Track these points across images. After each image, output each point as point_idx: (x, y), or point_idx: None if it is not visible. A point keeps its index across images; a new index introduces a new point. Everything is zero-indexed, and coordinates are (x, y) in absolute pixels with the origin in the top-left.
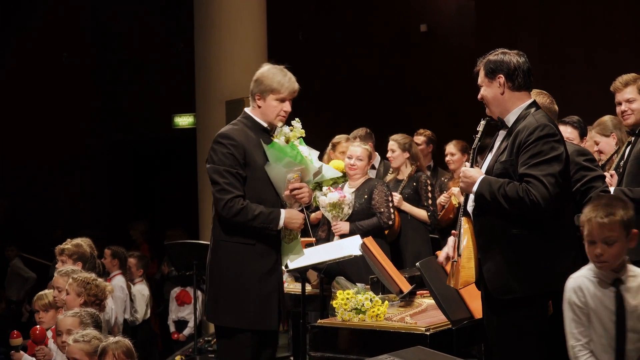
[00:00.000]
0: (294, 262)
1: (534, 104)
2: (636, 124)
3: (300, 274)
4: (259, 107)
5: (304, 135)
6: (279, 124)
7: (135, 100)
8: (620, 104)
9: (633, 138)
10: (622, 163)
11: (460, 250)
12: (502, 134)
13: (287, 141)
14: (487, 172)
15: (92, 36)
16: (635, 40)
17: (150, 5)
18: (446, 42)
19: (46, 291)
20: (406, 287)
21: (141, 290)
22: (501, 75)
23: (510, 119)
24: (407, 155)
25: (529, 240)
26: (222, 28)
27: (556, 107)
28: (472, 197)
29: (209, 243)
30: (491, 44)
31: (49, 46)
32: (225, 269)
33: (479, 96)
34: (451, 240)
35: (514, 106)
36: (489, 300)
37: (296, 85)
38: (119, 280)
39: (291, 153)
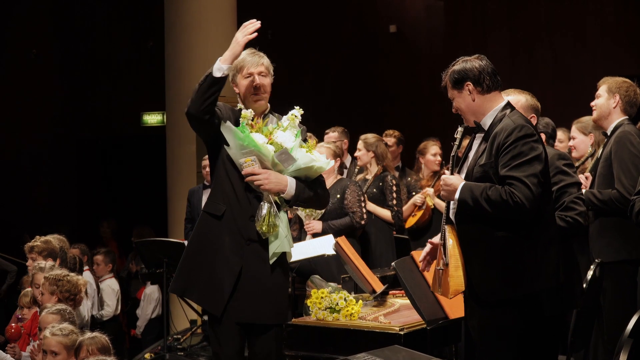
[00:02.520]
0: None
1: (509, 105)
2: (598, 119)
3: None
4: (239, 94)
5: (293, 122)
6: (255, 105)
7: (104, 97)
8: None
9: (606, 140)
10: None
11: (447, 259)
12: (479, 137)
13: (252, 126)
14: (466, 176)
15: (61, 33)
16: (604, 44)
17: (120, 2)
18: (415, 42)
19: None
20: (379, 287)
21: (111, 284)
22: (469, 83)
23: (486, 122)
24: (372, 155)
25: (514, 242)
26: (193, 26)
27: (539, 104)
28: (452, 204)
29: (179, 241)
30: (460, 44)
31: (18, 43)
32: (192, 237)
33: (454, 109)
34: (427, 246)
35: (488, 109)
36: (472, 302)
37: (263, 60)
38: (87, 276)
39: (239, 135)
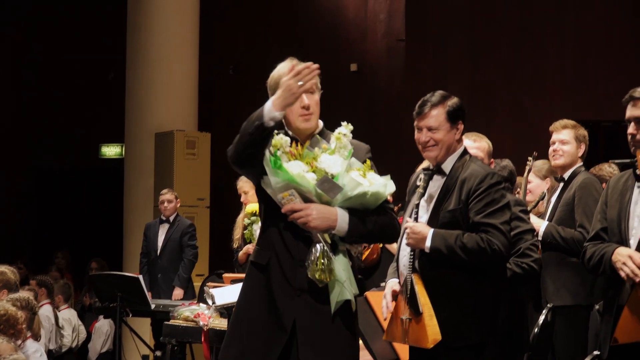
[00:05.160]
0: (221, 299)
1: (466, 151)
2: (564, 166)
3: (226, 310)
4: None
5: (340, 141)
6: (303, 125)
7: (63, 127)
8: (554, 143)
9: (562, 184)
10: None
11: (420, 308)
12: (436, 180)
13: (291, 153)
14: (429, 221)
15: (20, 60)
16: (563, 89)
17: (81, 32)
18: (375, 81)
19: None
20: None
21: (64, 315)
22: (461, 122)
23: (447, 166)
24: None
25: (475, 287)
26: (154, 60)
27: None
28: (416, 252)
29: (133, 275)
30: (420, 85)
31: None
32: (240, 294)
33: (430, 138)
34: (389, 294)
35: (454, 152)
36: (439, 347)
37: None
38: (45, 310)
39: (271, 168)
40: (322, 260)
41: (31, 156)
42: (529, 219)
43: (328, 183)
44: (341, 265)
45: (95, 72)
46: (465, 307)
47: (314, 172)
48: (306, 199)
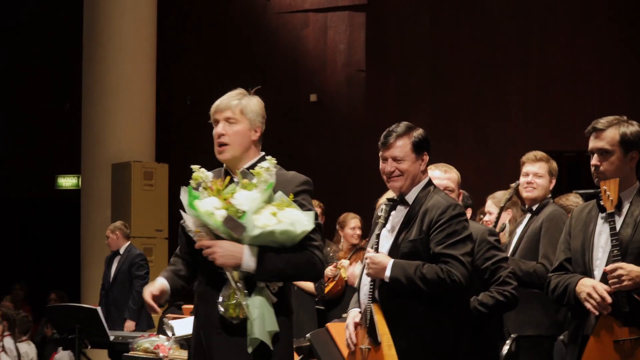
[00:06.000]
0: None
1: (431, 182)
2: (536, 199)
3: (186, 341)
4: None
5: (260, 176)
6: (218, 157)
7: (18, 158)
8: (527, 175)
9: (529, 215)
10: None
11: (378, 337)
12: (400, 210)
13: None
14: (390, 251)
15: None
16: (526, 118)
17: (37, 62)
18: (336, 112)
19: None
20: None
21: (25, 348)
22: (426, 153)
23: (411, 196)
24: None
25: (437, 317)
26: (111, 90)
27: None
28: (376, 282)
29: (91, 307)
30: (381, 115)
31: None
32: None
33: (396, 168)
34: (351, 325)
35: (419, 182)
36: None
37: (233, 102)
38: (7, 343)
39: (186, 200)
40: (233, 297)
41: None
42: (502, 247)
43: (232, 222)
44: (255, 302)
45: (51, 102)
46: (424, 337)
47: (226, 209)
48: (217, 236)
